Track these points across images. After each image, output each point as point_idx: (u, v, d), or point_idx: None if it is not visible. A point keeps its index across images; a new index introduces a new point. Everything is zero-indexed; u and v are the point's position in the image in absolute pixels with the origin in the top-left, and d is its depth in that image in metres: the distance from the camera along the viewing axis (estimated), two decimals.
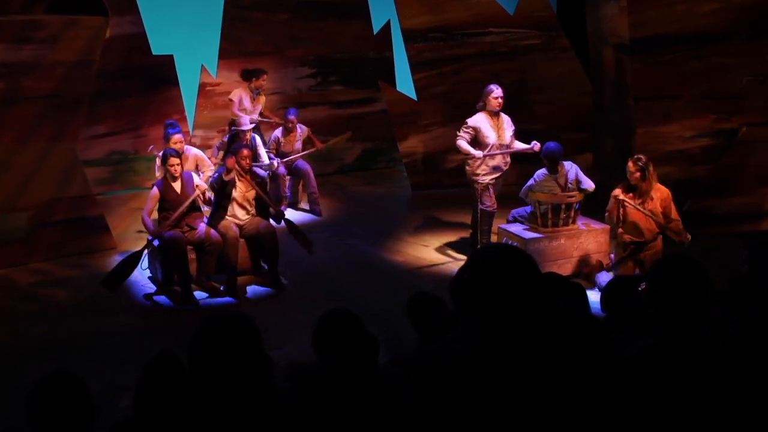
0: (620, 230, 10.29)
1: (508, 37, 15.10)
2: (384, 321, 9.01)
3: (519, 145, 11.43)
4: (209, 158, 12.63)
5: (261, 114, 14.25)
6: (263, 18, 15.49)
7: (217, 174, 10.83)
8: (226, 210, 10.81)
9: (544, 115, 14.60)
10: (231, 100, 14.09)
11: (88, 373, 4.99)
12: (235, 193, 10.80)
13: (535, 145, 11.23)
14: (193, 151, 12.35)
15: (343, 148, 16.19)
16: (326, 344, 4.67)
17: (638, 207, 10.09)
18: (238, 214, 10.85)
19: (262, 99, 14.40)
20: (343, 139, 14.72)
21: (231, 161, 10.69)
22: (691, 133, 12.26)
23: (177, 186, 10.64)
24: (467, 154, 11.17)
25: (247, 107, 13.97)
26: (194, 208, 10.67)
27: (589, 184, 10.83)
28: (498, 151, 11.21)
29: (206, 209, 11.06)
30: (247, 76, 14.40)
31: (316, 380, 4.48)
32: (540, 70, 15.06)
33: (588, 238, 10.94)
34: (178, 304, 10.30)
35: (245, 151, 10.81)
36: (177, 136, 11.74)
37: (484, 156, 11.13)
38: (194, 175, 10.98)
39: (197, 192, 10.63)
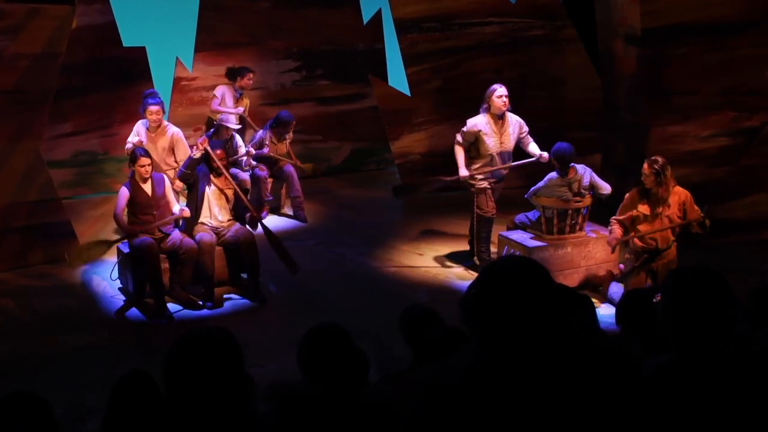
0: (635, 238, 10.25)
1: (509, 27, 15.12)
2: (374, 336, 8.99)
3: (532, 148, 11.36)
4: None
5: (242, 115, 14.21)
6: (242, 6, 15.49)
7: (188, 160, 10.81)
8: (199, 214, 10.79)
9: (549, 112, 14.60)
10: (214, 95, 14.06)
11: (51, 393, 4.98)
12: (210, 191, 10.78)
13: (543, 156, 11.19)
14: (172, 129, 12.35)
15: (332, 148, 16.21)
16: (312, 362, 4.65)
17: (652, 232, 10.07)
18: (215, 216, 10.83)
19: (246, 102, 14.39)
20: (307, 168, 14.55)
21: (203, 141, 10.70)
22: (709, 131, 12.26)
23: (147, 187, 10.62)
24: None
25: (229, 106, 13.96)
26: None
27: (606, 188, 10.80)
28: (490, 168, 11.18)
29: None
30: (232, 75, 14.35)
31: (301, 401, 4.47)
32: (544, 64, 15.08)
33: (596, 247, 10.93)
34: (151, 318, 10.28)
35: (218, 152, 10.82)
36: (153, 107, 11.80)
37: (470, 175, 11.13)
38: (167, 181, 10.91)
39: (177, 215, 10.64)
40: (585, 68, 14.88)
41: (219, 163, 10.69)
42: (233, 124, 13.10)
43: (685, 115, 12.18)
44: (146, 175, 10.59)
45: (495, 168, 11.20)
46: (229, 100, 14.03)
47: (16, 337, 9.88)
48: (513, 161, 11.41)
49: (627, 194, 10.30)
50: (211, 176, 10.79)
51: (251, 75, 14.32)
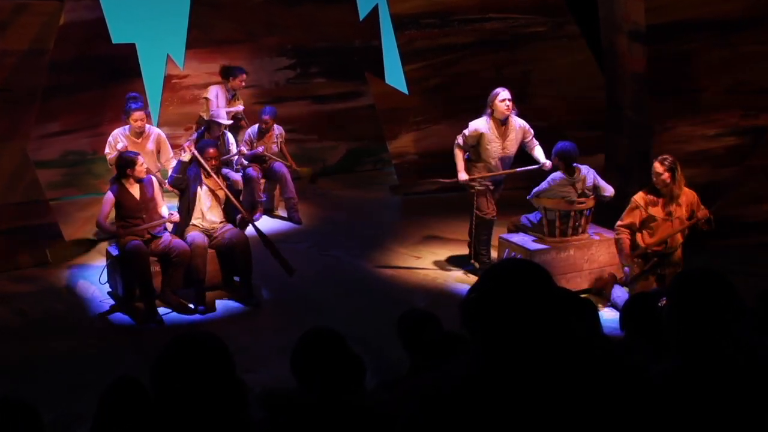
0: (649, 242, 10.17)
1: (510, 23, 15.12)
2: (371, 341, 9.00)
3: (537, 153, 11.29)
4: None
5: (236, 115, 14.13)
6: (235, 2, 15.50)
7: (177, 164, 10.83)
8: (191, 216, 10.78)
9: (551, 111, 14.61)
10: (207, 98, 13.88)
11: (40, 398, 4.97)
12: (201, 192, 10.77)
13: (546, 165, 11.12)
14: (155, 131, 12.43)
15: (327, 148, 16.21)
16: (306, 368, 4.65)
17: (665, 237, 10.03)
18: (207, 217, 10.81)
19: (240, 103, 14.31)
20: (303, 173, 14.68)
21: (190, 144, 10.79)
22: (716, 131, 12.25)
23: (135, 191, 10.60)
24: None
25: (222, 107, 13.91)
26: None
27: (609, 190, 10.77)
28: (489, 174, 11.15)
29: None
30: (225, 74, 14.21)
31: (295, 408, 4.47)
32: (546, 61, 15.08)
33: (600, 249, 10.93)
34: (141, 323, 10.27)
35: (211, 150, 10.81)
36: (138, 113, 11.82)
37: (469, 180, 11.11)
38: (155, 183, 10.90)
39: (166, 219, 10.63)
40: (588, 66, 14.88)
41: (208, 165, 10.67)
42: (224, 119, 13.09)
43: (690, 114, 12.15)
44: (143, 176, 10.58)
45: (495, 174, 11.17)
46: (222, 101, 13.96)
47: (3, 341, 9.86)
48: (514, 167, 11.36)
49: (634, 197, 10.23)
50: (203, 177, 10.78)
51: (244, 76, 14.15)
